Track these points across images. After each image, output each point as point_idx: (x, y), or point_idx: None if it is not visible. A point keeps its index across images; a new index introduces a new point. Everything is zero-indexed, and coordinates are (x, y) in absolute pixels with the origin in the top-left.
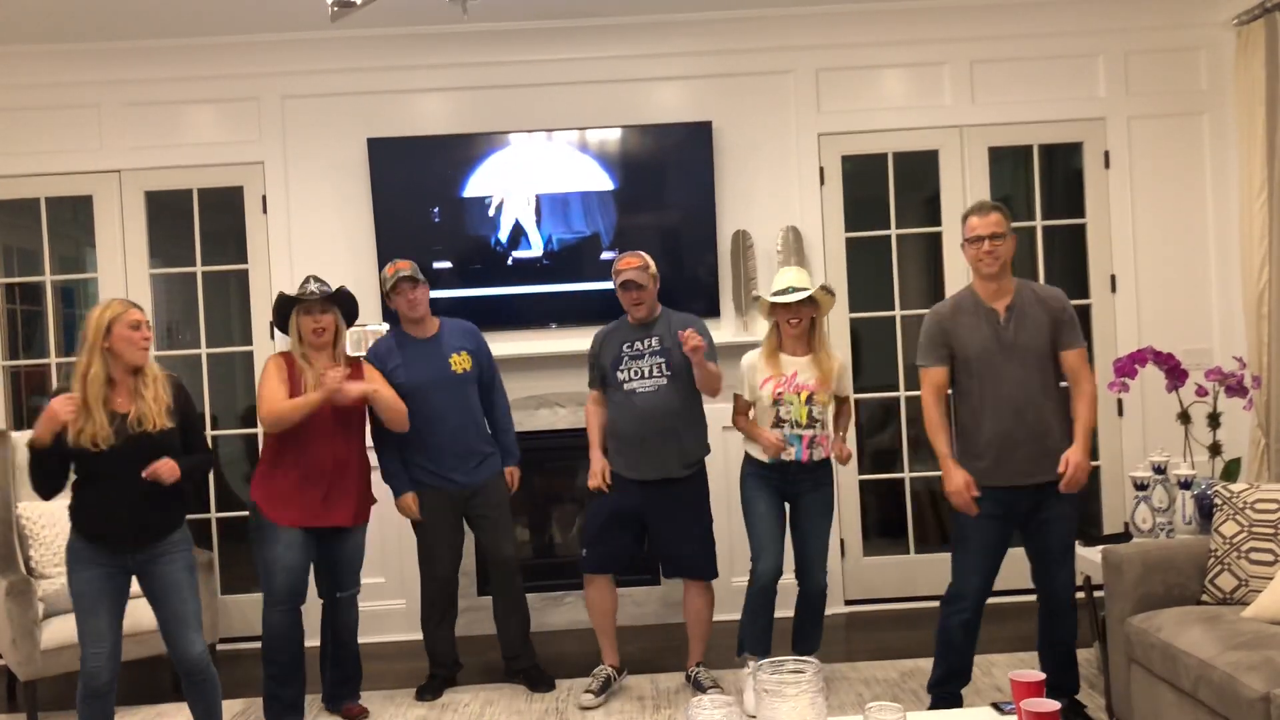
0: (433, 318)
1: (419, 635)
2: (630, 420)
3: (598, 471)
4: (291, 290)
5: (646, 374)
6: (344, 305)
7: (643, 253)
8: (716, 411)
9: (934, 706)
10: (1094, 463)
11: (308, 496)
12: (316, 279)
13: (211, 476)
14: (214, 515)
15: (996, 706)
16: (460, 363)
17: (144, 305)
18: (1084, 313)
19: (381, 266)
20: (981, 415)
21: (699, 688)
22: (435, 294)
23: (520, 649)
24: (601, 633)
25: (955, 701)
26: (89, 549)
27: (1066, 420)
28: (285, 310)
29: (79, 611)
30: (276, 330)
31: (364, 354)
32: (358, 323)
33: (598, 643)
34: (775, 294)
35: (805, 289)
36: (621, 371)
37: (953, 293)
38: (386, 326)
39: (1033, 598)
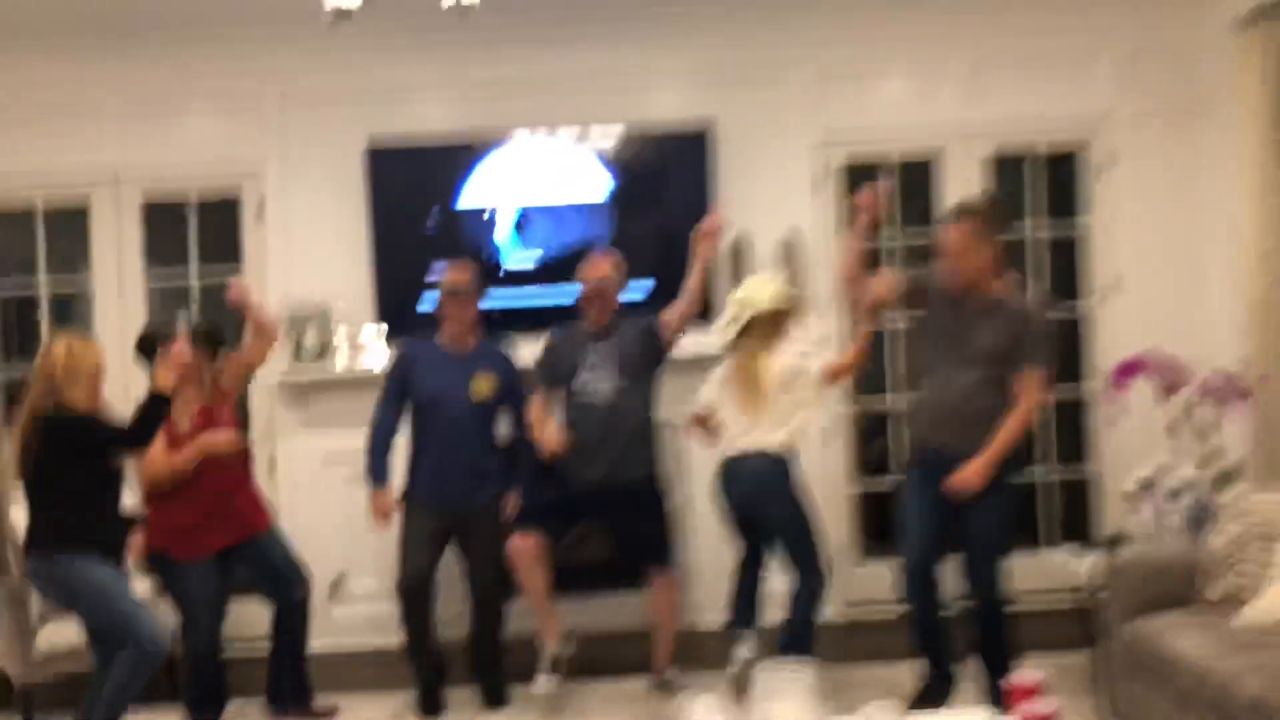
0: (473, 334)
1: None
2: (586, 429)
3: (555, 432)
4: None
5: (606, 380)
6: (214, 339)
7: (611, 257)
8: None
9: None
10: (1090, 468)
11: (222, 518)
12: (186, 312)
13: None
14: None
15: (996, 707)
16: (480, 388)
17: (139, 313)
18: (1083, 315)
19: (377, 272)
20: (930, 388)
21: (670, 690)
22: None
23: (485, 671)
24: (538, 601)
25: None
26: None
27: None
28: (153, 343)
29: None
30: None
31: None
32: None
33: (538, 609)
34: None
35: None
36: (583, 378)
37: None
38: (385, 327)
39: (1025, 603)
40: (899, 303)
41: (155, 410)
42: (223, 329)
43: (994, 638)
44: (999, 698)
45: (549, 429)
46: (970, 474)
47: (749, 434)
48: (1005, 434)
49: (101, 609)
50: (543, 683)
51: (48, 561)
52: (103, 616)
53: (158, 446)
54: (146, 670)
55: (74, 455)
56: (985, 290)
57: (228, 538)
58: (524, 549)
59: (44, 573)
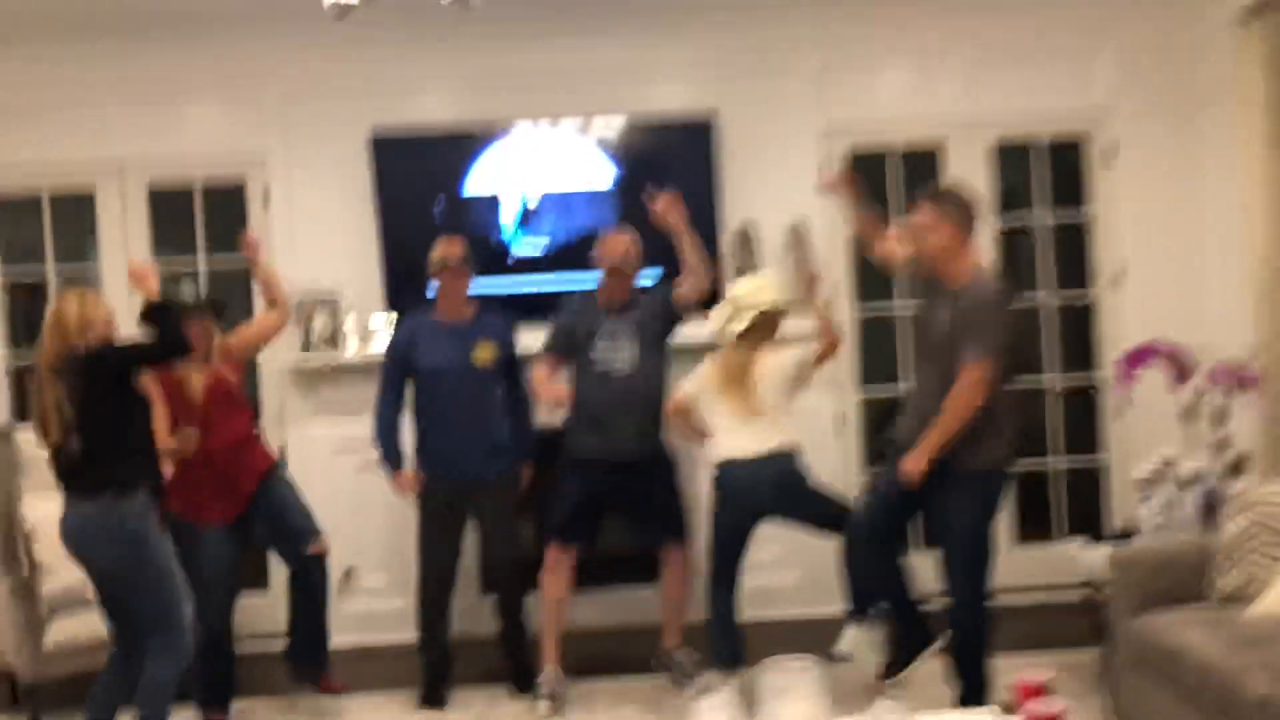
0: (469, 305)
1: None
2: (604, 400)
3: (558, 387)
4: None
5: (625, 351)
6: (216, 311)
7: (627, 234)
8: None
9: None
10: (1098, 459)
11: (226, 486)
12: (192, 285)
13: None
14: None
15: (999, 706)
16: (483, 355)
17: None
18: (1087, 308)
19: (385, 259)
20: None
21: (682, 673)
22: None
23: (514, 653)
24: (548, 630)
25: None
26: None
27: None
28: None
29: None
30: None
31: None
32: None
33: (546, 637)
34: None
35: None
36: (597, 350)
37: None
38: (394, 315)
39: (1033, 596)
40: (911, 273)
41: (165, 318)
42: (226, 304)
43: (964, 640)
44: (970, 701)
45: (551, 385)
46: (908, 463)
47: (756, 435)
48: (939, 425)
49: (155, 591)
50: (542, 708)
51: (113, 512)
52: (152, 599)
53: (160, 418)
54: (183, 662)
55: (114, 385)
56: (950, 277)
57: (238, 504)
58: (557, 563)
59: (109, 524)
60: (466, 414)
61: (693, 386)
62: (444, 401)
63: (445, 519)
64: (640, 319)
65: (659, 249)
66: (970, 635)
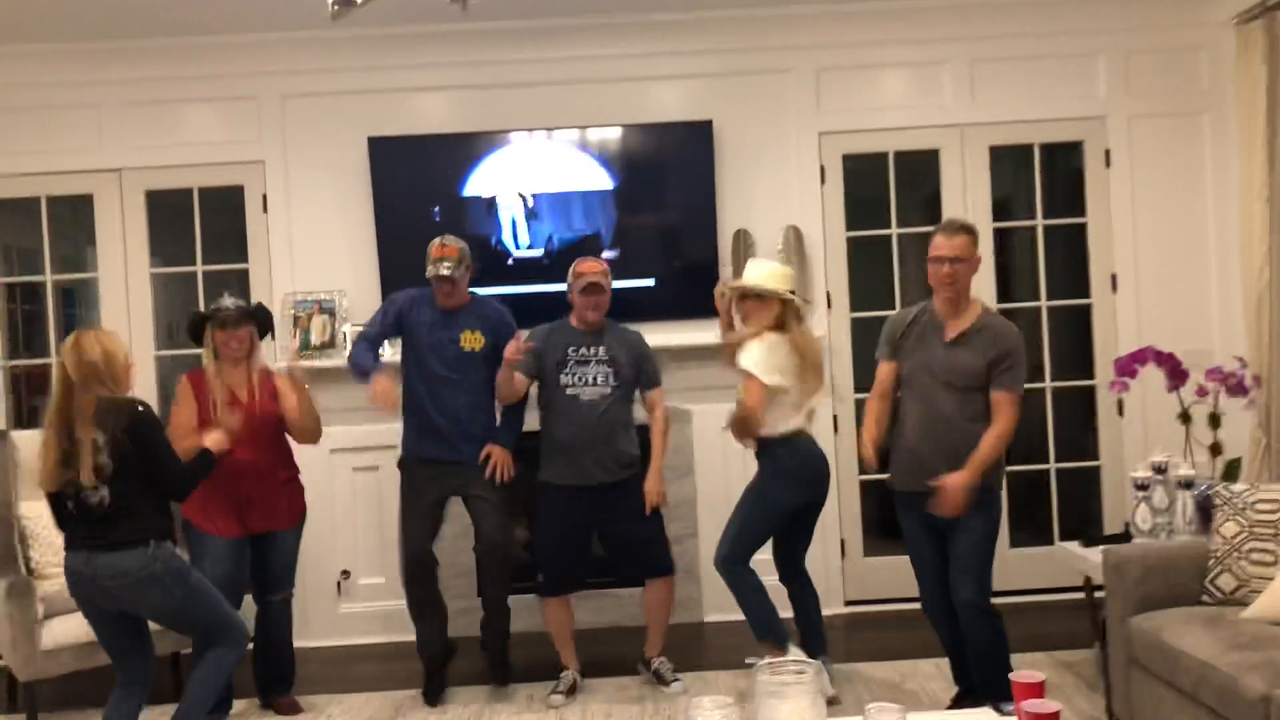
0: (468, 294)
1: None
2: (571, 426)
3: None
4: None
5: (592, 381)
6: (259, 319)
7: (603, 259)
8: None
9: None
10: (1094, 463)
11: (232, 506)
12: (233, 296)
13: None
14: None
15: (996, 707)
16: (470, 340)
17: (145, 305)
18: (1084, 312)
19: (382, 266)
20: (905, 426)
21: (660, 680)
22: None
23: (493, 641)
24: (562, 643)
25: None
26: None
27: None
28: (200, 326)
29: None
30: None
31: None
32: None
33: (561, 647)
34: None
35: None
36: (565, 375)
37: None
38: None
39: (1033, 598)
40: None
41: (203, 466)
42: (270, 314)
43: (983, 652)
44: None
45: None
46: (953, 489)
47: (806, 415)
48: (984, 451)
49: (208, 608)
50: (558, 700)
51: (155, 561)
52: (207, 615)
53: (187, 419)
54: (244, 648)
55: (147, 457)
56: (964, 308)
57: (247, 526)
58: (555, 612)
59: (155, 571)
60: (451, 394)
61: (767, 372)
62: (429, 382)
63: (425, 513)
64: (612, 350)
65: (653, 261)
66: (994, 643)
